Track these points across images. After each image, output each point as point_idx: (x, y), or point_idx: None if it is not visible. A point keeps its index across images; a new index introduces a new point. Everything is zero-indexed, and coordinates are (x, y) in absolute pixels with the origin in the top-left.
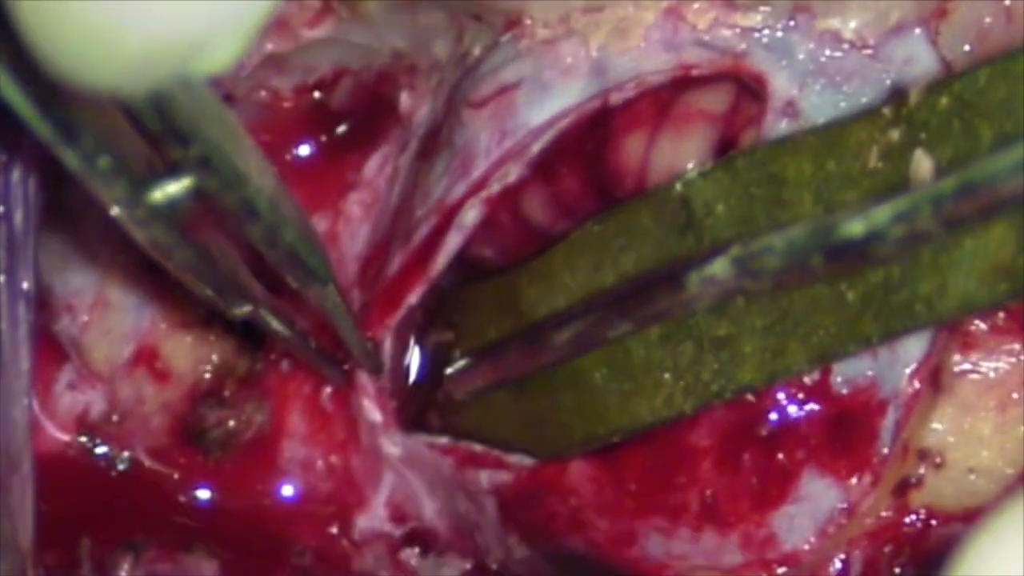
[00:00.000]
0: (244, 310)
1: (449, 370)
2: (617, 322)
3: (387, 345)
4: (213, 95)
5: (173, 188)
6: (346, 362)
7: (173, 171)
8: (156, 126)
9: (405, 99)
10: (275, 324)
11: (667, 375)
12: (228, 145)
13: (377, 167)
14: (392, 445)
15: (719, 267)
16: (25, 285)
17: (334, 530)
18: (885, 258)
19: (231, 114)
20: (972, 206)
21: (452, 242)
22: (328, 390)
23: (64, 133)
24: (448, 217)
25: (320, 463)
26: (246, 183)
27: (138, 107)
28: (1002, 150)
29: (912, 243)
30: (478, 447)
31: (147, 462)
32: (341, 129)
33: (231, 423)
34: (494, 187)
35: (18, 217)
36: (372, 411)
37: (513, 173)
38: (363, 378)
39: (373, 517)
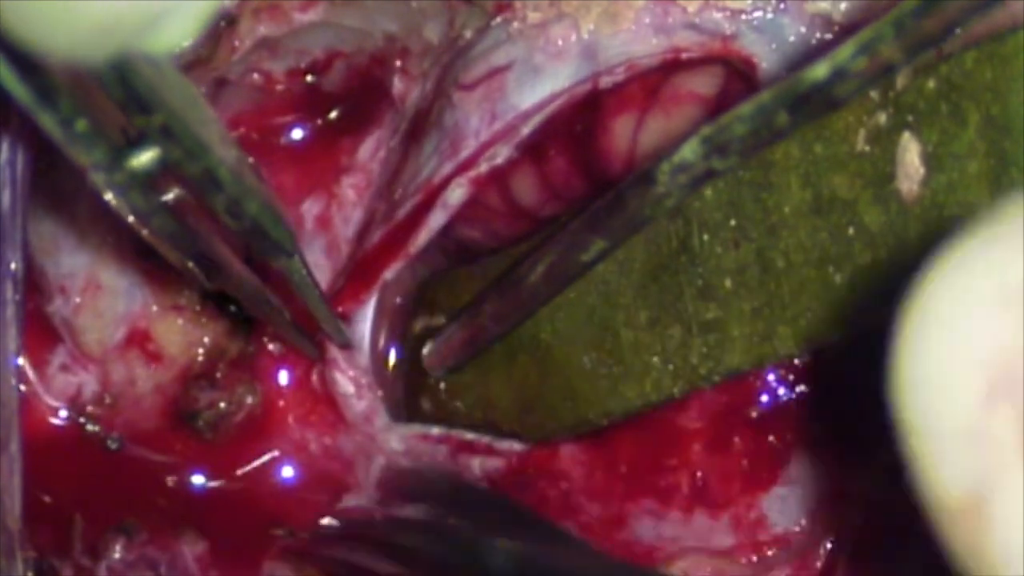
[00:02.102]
0: (218, 281)
1: (425, 349)
2: (589, 240)
3: (369, 331)
4: (174, 66)
5: (145, 157)
6: (318, 334)
7: (142, 140)
8: (118, 94)
9: (398, 83)
10: (249, 296)
11: (655, 359)
12: (190, 115)
13: (371, 151)
14: (387, 434)
15: (688, 150)
16: (13, 266)
17: (325, 511)
18: (848, 97)
19: (191, 85)
20: (934, 23)
21: (436, 220)
22: (315, 374)
23: (42, 96)
24: (433, 195)
25: (311, 445)
26: (208, 153)
27: (100, 75)
28: None
29: (876, 76)
30: (470, 435)
31: (139, 444)
32: (334, 113)
33: (222, 405)
34: (482, 167)
35: (5, 198)
36: (345, 384)
37: (502, 155)
38: (334, 351)
39: (363, 498)
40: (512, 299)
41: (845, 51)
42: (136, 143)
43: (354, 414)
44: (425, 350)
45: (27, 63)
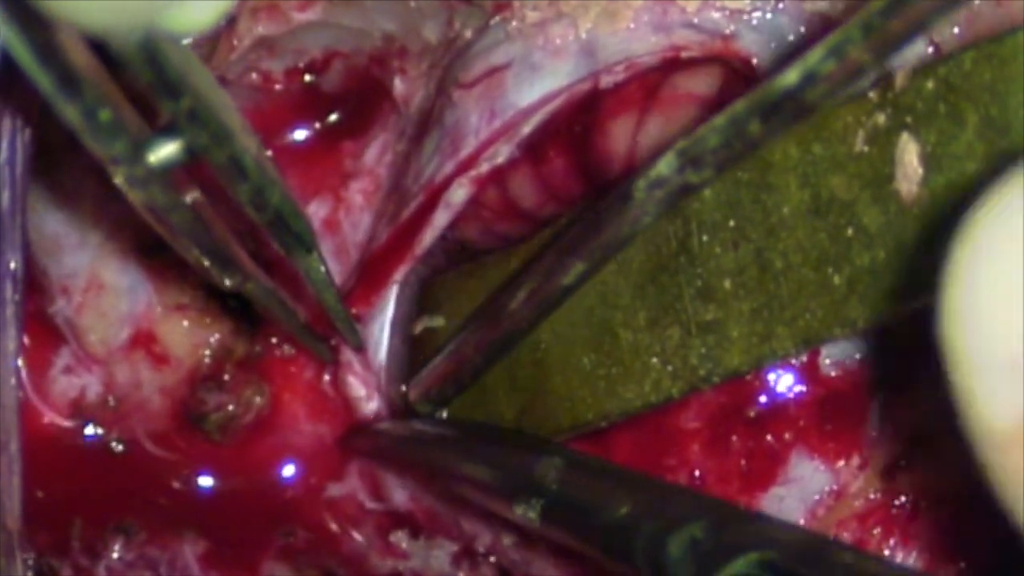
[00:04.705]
0: (236, 280)
1: (411, 383)
2: (569, 263)
3: (387, 333)
4: (194, 54)
5: (168, 148)
6: (331, 338)
7: (166, 130)
8: (148, 76)
9: (398, 84)
10: (264, 297)
11: (654, 359)
12: (214, 101)
13: (377, 155)
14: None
15: (663, 164)
16: (12, 265)
17: (328, 512)
18: (819, 102)
19: (211, 74)
20: (902, 23)
21: (439, 220)
22: (327, 375)
23: (65, 86)
24: (435, 195)
25: (319, 446)
26: (233, 140)
27: (130, 57)
28: None
29: (846, 80)
30: None
31: (145, 446)
32: (334, 115)
33: (231, 407)
34: (483, 167)
35: (4, 198)
36: (357, 387)
37: (503, 154)
38: (348, 354)
39: (359, 496)
40: (495, 327)
41: (814, 55)
42: (156, 136)
43: (363, 416)
44: (411, 384)
45: (50, 51)
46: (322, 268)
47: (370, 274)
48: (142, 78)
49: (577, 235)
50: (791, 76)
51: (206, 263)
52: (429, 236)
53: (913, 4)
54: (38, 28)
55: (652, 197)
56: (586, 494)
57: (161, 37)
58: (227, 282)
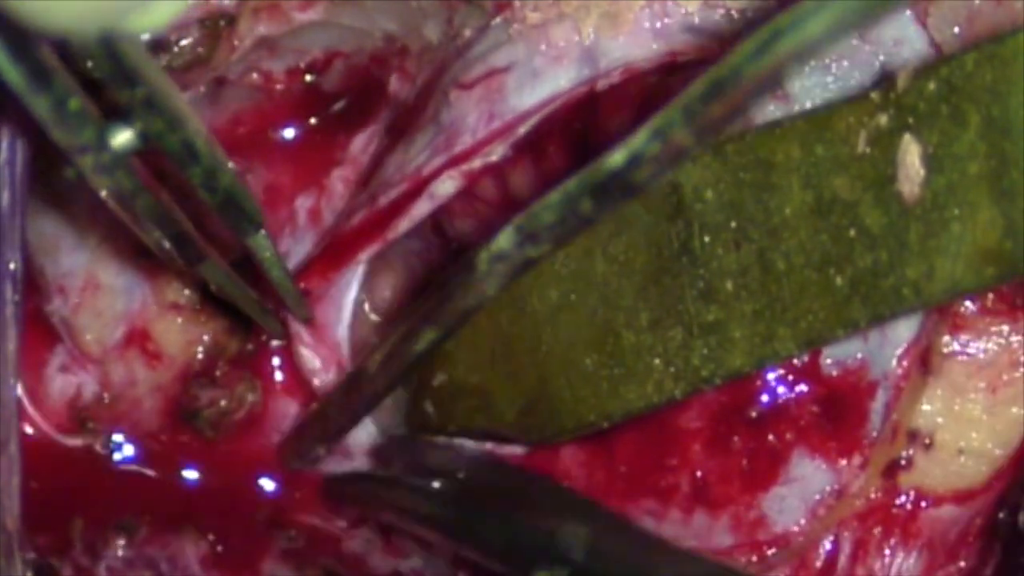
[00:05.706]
0: (196, 262)
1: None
2: (420, 330)
3: (349, 310)
4: (144, 48)
5: (124, 135)
6: (281, 313)
7: (122, 118)
8: (106, 68)
9: (395, 82)
10: (217, 275)
11: (657, 360)
12: (166, 89)
13: (363, 145)
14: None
15: (504, 238)
16: (12, 266)
17: (325, 510)
18: (646, 183)
19: (159, 65)
20: (722, 107)
21: (420, 209)
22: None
23: (35, 79)
24: (420, 185)
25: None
26: (186, 124)
27: (90, 50)
28: (741, 40)
29: (671, 161)
30: (471, 443)
31: (139, 443)
32: (334, 108)
33: (223, 403)
34: (476, 163)
35: (4, 198)
36: (311, 359)
37: (497, 152)
38: (296, 327)
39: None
40: (355, 390)
41: (639, 138)
42: (113, 124)
43: (320, 388)
44: (281, 440)
45: (24, 48)
46: (269, 244)
47: (331, 251)
48: (101, 69)
49: (428, 303)
50: (617, 157)
51: (166, 245)
52: (405, 224)
53: (732, 90)
54: (10, 25)
55: (495, 270)
56: (621, 567)
57: (118, 33)
58: (186, 264)
